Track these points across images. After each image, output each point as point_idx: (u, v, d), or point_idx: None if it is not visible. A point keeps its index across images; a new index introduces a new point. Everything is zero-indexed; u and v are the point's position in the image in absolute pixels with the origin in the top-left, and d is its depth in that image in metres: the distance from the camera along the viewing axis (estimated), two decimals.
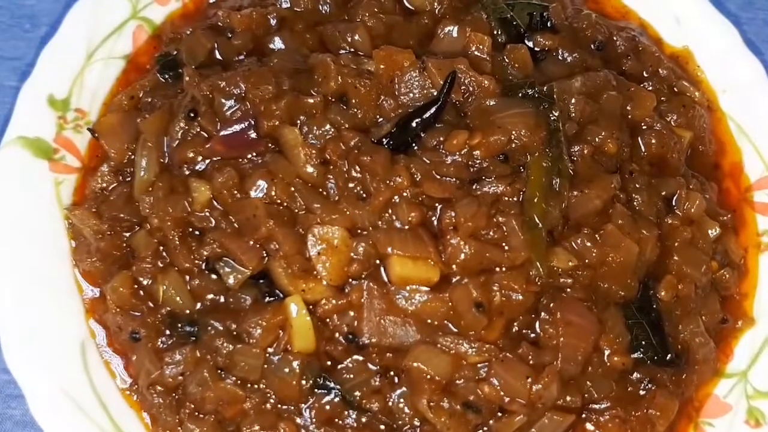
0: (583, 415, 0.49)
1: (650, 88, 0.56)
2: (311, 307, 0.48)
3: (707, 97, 0.59)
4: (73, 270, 0.52)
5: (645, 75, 0.58)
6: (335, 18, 0.57)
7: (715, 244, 0.54)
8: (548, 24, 0.57)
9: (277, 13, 0.57)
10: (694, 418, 0.51)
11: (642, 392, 0.50)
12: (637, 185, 0.53)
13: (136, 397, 0.50)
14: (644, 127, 0.54)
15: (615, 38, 0.59)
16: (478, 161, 0.50)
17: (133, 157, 0.53)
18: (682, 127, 0.56)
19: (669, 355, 0.50)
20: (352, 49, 0.54)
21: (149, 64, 0.58)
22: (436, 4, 0.57)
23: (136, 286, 0.50)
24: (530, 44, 0.56)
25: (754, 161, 0.57)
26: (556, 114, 0.51)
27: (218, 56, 0.56)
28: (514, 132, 0.50)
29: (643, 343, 0.50)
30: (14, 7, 0.71)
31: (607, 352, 0.49)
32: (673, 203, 0.53)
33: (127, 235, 0.52)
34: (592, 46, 0.58)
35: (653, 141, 0.54)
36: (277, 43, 0.56)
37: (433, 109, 0.50)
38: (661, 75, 0.58)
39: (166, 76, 0.56)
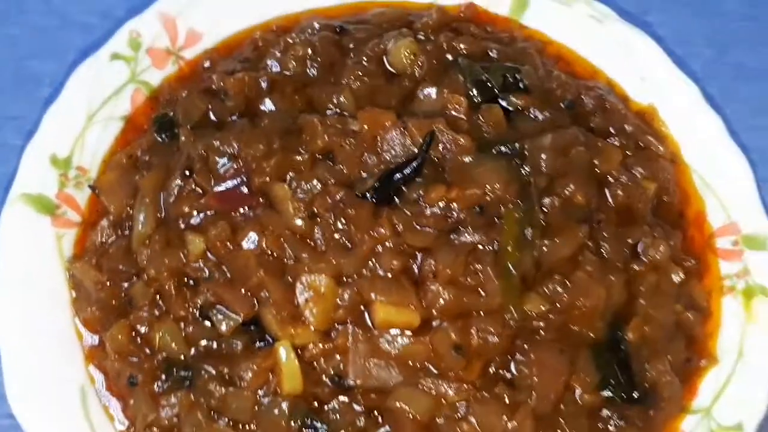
0: None
1: (617, 143, 0.62)
2: (299, 351, 0.53)
3: (671, 150, 0.64)
4: (74, 319, 0.57)
5: (612, 131, 0.64)
6: (322, 81, 0.63)
7: (680, 288, 0.59)
8: (520, 85, 0.63)
9: (268, 77, 0.63)
10: None
11: (612, 429, 0.54)
12: (605, 234, 0.58)
13: None
14: (611, 180, 0.60)
15: (583, 97, 0.65)
16: (455, 213, 0.55)
17: (131, 211, 0.58)
18: (647, 179, 0.61)
19: (637, 393, 0.55)
20: (338, 110, 0.60)
21: (147, 124, 0.64)
22: (416, 67, 0.63)
23: (133, 334, 0.55)
24: (504, 103, 0.62)
25: (717, 210, 0.63)
26: (528, 169, 0.56)
27: (212, 117, 0.62)
28: (488, 186, 0.55)
29: (612, 381, 0.54)
30: (18, 68, 0.77)
31: (578, 391, 0.54)
32: (639, 250, 0.59)
33: (126, 285, 0.56)
34: (562, 104, 0.64)
35: (620, 192, 0.60)
36: (268, 105, 0.62)
37: (413, 165, 0.56)
38: (627, 131, 0.64)
39: (163, 136, 0.61)
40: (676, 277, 0.58)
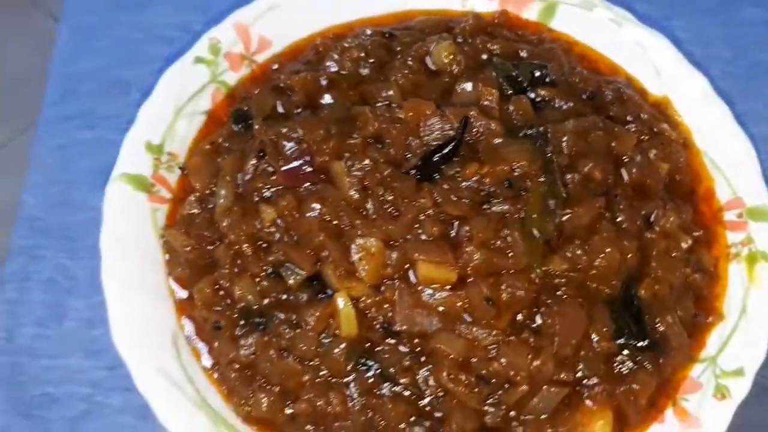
0: (577, 389, 0.62)
1: (633, 129, 0.71)
2: (354, 301, 0.63)
3: (683, 136, 0.73)
4: (167, 277, 0.69)
5: (629, 119, 0.72)
6: (373, 78, 0.73)
7: (690, 253, 0.67)
8: (547, 79, 0.73)
9: (327, 76, 0.74)
10: (673, 395, 0.63)
11: (625, 371, 0.63)
12: (621, 206, 0.67)
13: (217, 376, 0.64)
14: (626, 160, 0.69)
15: (603, 89, 0.74)
16: (487, 187, 0.65)
17: (214, 189, 0.70)
18: (661, 160, 0.70)
19: (648, 341, 0.63)
20: (387, 102, 0.70)
21: (225, 117, 0.75)
22: (454, 66, 0.74)
23: (217, 288, 0.66)
24: (532, 95, 0.72)
25: (724, 187, 0.71)
26: (550, 149, 0.66)
27: (280, 110, 0.72)
28: (515, 163, 0.65)
29: (626, 331, 0.63)
30: (110, 75, 0.89)
31: (595, 339, 0.62)
32: (652, 221, 0.68)
33: (210, 248, 0.68)
34: (584, 96, 0.73)
35: (634, 170, 0.68)
36: (327, 99, 0.72)
37: (450, 146, 0.66)
38: (643, 119, 0.72)
39: (239, 126, 0.73)
40: (685, 244, 0.67)
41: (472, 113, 0.67)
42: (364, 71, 0.74)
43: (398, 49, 0.75)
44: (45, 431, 0.73)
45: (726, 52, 0.90)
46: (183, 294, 0.68)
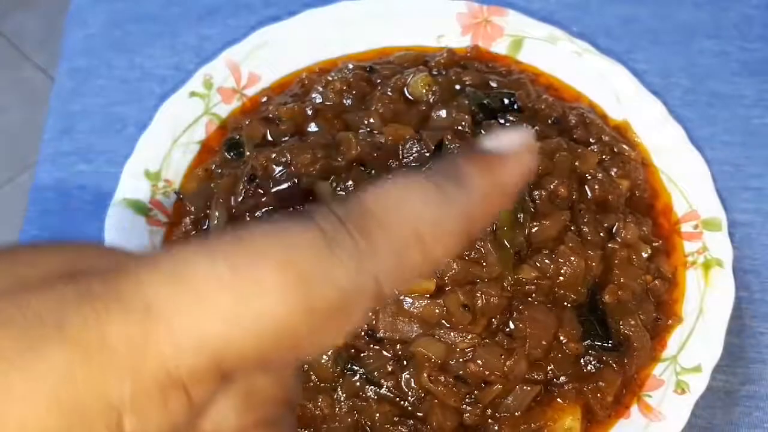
0: (548, 388, 0.68)
1: (595, 149, 0.79)
2: None
3: (642, 155, 0.80)
4: None
5: (591, 141, 0.80)
6: (355, 108, 0.81)
7: (649, 262, 0.74)
8: (515, 106, 0.81)
9: (313, 106, 0.81)
10: (637, 392, 0.69)
11: (592, 370, 0.69)
12: (585, 219, 0.73)
13: None
14: (589, 177, 0.76)
15: (567, 114, 0.81)
16: None
17: (208, 212, 0.76)
18: (621, 177, 0.78)
19: (612, 342, 0.70)
20: (368, 129, 0.78)
21: (218, 147, 0.82)
22: (430, 95, 0.81)
23: None
24: (502, 121, 0.79)
25: (681, 202, 0.78)
26: None
27: (270, 138, 0.80)
28: None
29: (592, 333, 0.69)
30: (107, 113, 0.97)
31: (564, 341, 0.69)
32: (614, 232, 0.75)
33: None
34: (549, 120, 0.80)
35: (596, 187, 0.75)
36: (313, 127, 0.80)
37: (426, 167, 0.73)
38: (604, 140, 0.80)
39: (232, 154, 0.80)
40: (645, 253, 0.73)
41: (446, 136, 0.74)
42: (347, 101, 0.82)
43: (378, 81, 0.83)
44: None
45: (685, 81, 0.99)
46: None
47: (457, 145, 0.74)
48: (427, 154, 0.74)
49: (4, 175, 1.98)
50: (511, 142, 0.40)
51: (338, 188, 0.72)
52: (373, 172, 0.74)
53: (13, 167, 1.97)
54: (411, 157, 0.74)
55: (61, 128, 0.97)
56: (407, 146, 0.75)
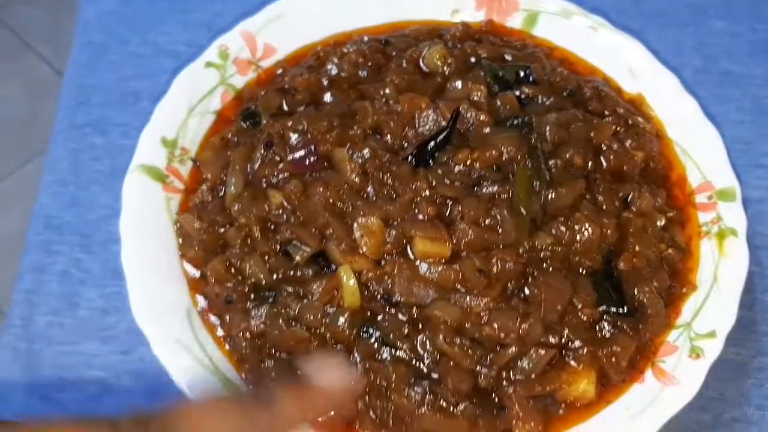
0: (563, 352, 0.69)
1: (610, 121, 0.79)
2: (357, 275, 0.69)
3: (656, 128, 0.81)
4: (180, 259, 0.75)
5: (606, 113, 0.81)
6: (371, 79, 0.81)
7: (664, 231, 0.74)
8: (530, 79, 0.81)
9: (328, 77, 0.82)
10: (651, 358, 0.69)
11: (607, 335, 0.69)
12: (600, 189, 0.74)
13: (228, 346, 0.70)
14: (604, 148, 0.77)
15: (583, 87, 0.82)
16: (477, 171, 0.72)
17: (224, 178, 0.77)
18: (635, 149, 0.78)
19: (627, 308, 0.70)
20: (384, 99, 0.78)
21: (233, 117, 0.83)
22: (446, 68, 0.82)
23: (228, 265, 0.72)
24: (517, 93, 0.80)
25: (695, 173, 0.79)
26: (535, 137, 0.74)
27: (285, 108, 0.80)
28: (503, 149, 0.72)
29: (607, 299, 0.70)
30: (120, 87, 0.98)
31: (579, 306, 0.69)
32: (629, 202, 0.75)
33: (221, 231, 0.74)
34: (564, 93, 0.81)
35: (611, 157, 0.76)
36: (328, 98, 0.80)
37: (443, 135, 0.73)
38: (619, 113, 0.81)
39: (248, 123, 0.80)
40: (660, 222, 0.74)
41: (463, 106, 0.75)
42: (363, 73, 0.82)
43: (393, 53, 0.84)
44: (60, 411, 0.79)
45: (696, 60, 1.00)
46: (196, 273, 0.74)
47: (474, 114, 0.75)
48: (444, 124, 0.74)
49: (9, 165, 1.98)
50: (328, 376, 0.46)
51: (354, 155, 0.73)
52: (389, 141, 0.75)
53: (18, 158, 1.97)
54: (427, 127, 0.75)
55: (76, 102, 0.98)
56: (423, 115, 0.75)
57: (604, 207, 0.73)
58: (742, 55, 1.01)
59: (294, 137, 0.75)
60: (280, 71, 0.86)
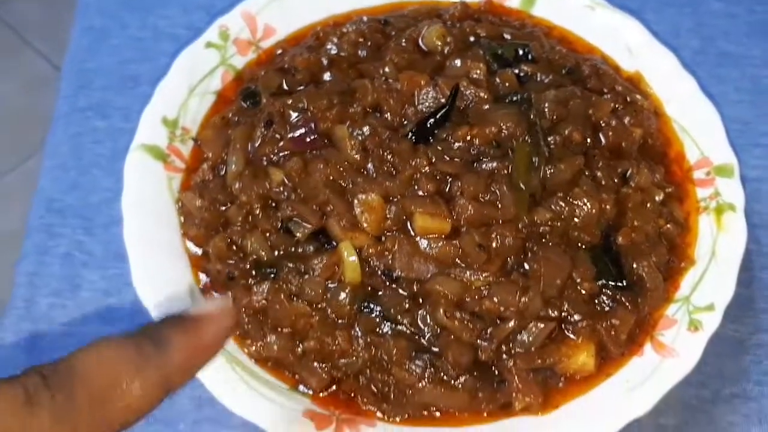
0: (563, 326, 0.69)
1: (608, 98, 0.80)
2: (357, 251, 0.70)
3: (654, 105, 0.82)
4: (182, 237, 0.75)
5: (605, 91, 0.81)
6: (370, 59, 0.82)
7: (663, 207, 0.75)
8: (529, 57, 0.82)
9: (328, 57, 0.82)
10: (650, 332, 0.70)
11: (606, 309, 0.70)
12: (599, 164, 0.74)
13: None
14: (603, 125, 0.77)
15: (581, 65, 0.82)
16: (477, 147, 0.73)
17: (225, 157, 0.77)
18: (634, 125, 0.79)
19: (625, 282, 0.71)
20: (383, 77, 0.79)
21: (233, 97, 0.83)
22: (445, 46, 0.82)
23: (230, 242, 0.73)
24: (516, 71, 0.80)
25: (693, 149, 0.79)
26: (534, 113, 0.74)
27: (285, 87, 0.81)
28: (502, 125, 0.73)
29: (606, 273, 0.70)
30: (121, 70, 0.98)
31: (578, 280, 0.70)
32: (627, 177, 0.76)
33: (223, 209, 0.75)
34: (563, 71, 0.81)
35: (610, 134, 0.76)
36: (328, 77, 0.81)
37: (442, 112, 0.74)
38: (617, 90, 0.81)
39: (248, 103, 0.81)
40: (658, 197, 0.75)
41: (462, 83, 0.75)
42: (362, 53, 0.82)
43: (393, 33, 0.84)
44: None
45: (695, 42, 1.00)
46: (198, 251, 0.75)
47: (473, 91, 0.75)
48: (443, 100, 0.75)
49: (9, 162, 1.98)
50: (211, 306, 0.50)
51: (354, 133, 0.73)
52: (388, 118, 0.75)
53: (18, 154, 1.97)
54: (426, 104, 0.75)
55: (76, 86, 0.99)
56: (423, 93, 0.76)
57: (603, 183, 0.74)
58: (740, 35, 1.01)
59: (294, 115, 0.76)
60: (279, 51, 0.86)
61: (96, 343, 0.42)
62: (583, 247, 0.71)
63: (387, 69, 0.79)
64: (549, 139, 0.74)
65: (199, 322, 0.45)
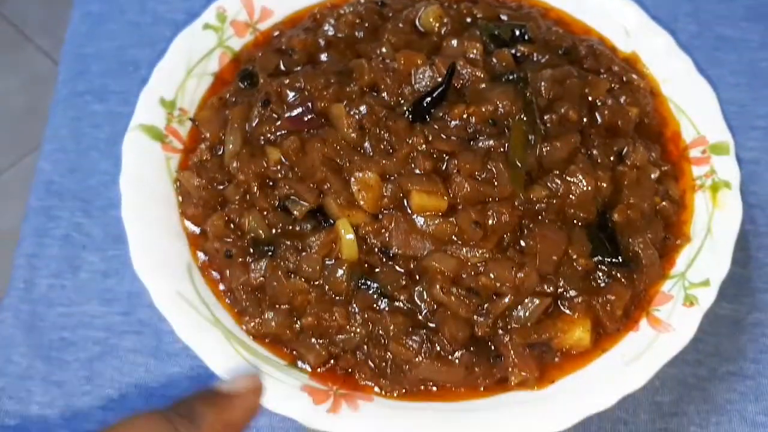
0: (558, 302, 0.69)
1: (605, 78, 0.80)
2: (355, 228, 0.70)
3: (651, 85, 0.82)
4: (180, 217, 0.76)
5: (601, 71, 0.81)
6: (367, 40, 0.82)
7: (658, 184, 0.75)
8: (526, 37, 0.82)
9: (325, 38, 0.82)
10: (646, 307, 0.70)
11: (602, 285, 0.70)
12: (595, 143, 0.75)
13: (228, 300, 0.71)
14: (599, 104, 0.78)
15: (578, 46, 0.83)
16: (473, 125, 0.73)
17: (223, 137, 0.78)
18: (630, 105, 0.79)
19: (622, 259, 0.71)
20: (381, 57, 0.79)
21: (231, 79, 0.83)
22: (441, 27, 0.83)
23: (228, 221, 0.73)
24: (512, 51, 0.81)
25: (689, 128, 0.79)
26: (530, 91, 0.75)
27: (282, 68, 0.81)
28: (499, 103, 0.73)
29: (601, 250, 0.70)
30: (119, 55, 0.99)
31: (574, 257, 0.70)
32: (623, 156, 0.76)
33: (221, 188, 0.75)
34: (560, 51, 0.82)
35: (606, 113, 0.77)
36: (325, 58, 0.81)
37: (439, 91, 0.74)
38: (614, 70, 0.81)
39: (245, 84, 0.81)
40: (654, 175, 0.75)
41: (459, 62, 0.75)
42: (359, 34, 0.83)
43: (390, 14, 0.84)
44: (63, 371, 0.80)
45: (692, 26, 1.00)
46: (196, 230, 0.75)
47: (470, 70, 0.75)
48: (439, 79, 0.75)
49: (9, 158, 1.98)
50: (241, 383, 0.52)
51: (351, 111, 0.74)
52: (385, 97, 0.75)
53: (18, 151, 1.96)
54: (423, 83, 0.76)
55: (75, 71, 0.99)
56: (419, 71, 0.76)
57: (599, 161, 0.74)
58: (737, 19, 1.01)
59: (291, 95, 0.76)
60: (277, 33, 0.87)
61: (132, 419, 0.44)
62: (579, 224, 0.72)
63: (384, 49, 0.79)
64: (545, 117, 0.74)
65: (230, 400, 0.48)
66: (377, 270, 0.70)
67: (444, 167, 0.72)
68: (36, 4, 2.23)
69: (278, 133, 0.75)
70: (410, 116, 0.73)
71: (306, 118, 0.75)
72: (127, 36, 1.01)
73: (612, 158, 0.75)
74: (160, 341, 0.81)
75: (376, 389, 0.68)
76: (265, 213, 0.72)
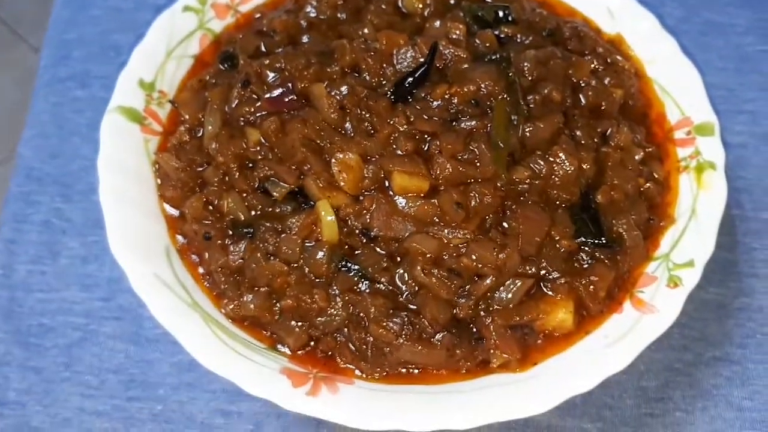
0: (541, 283, 0.68)
1: (588, 59, 0.79)
2: (335, 210, 0.69)
3: (636, 67, 0.81)
4: (159, 200, 0.74)
5: (586, 52, 0.80)
6: (350, 21, 0.81)
7: (643, 166, 0.74)
8: (509, 18, 0.81)
9: (307, 19, 0.81)
10: (630, 289, 0.69)
11: (585, 266, 0.69)
12: (578, 124, 0.74)
13: (207, 283, 0.70)
14: (583, 85, 0.77)
15: (562, 27, 0.82)
16: (455, 105, 0.72)
17: (202, 119, 0.76)
18: (614, 86, 0.78)
19: (605, 240, 0.70)
20: (363, 38, 0.78)
21: (212, 61, 0.82)
22: (424, 9, 0.81)
23: (206, 203, 0.72)
24: (496, 32, 0.79)
25: (674, 110, 0.78)
26: (513, 71, 0.73)
27: (263, 50, 0.80)
28: (481, 83, 0.72)
29: (585, 231, 0.69)
30: (102, 40, 0.97)
31: (557, 238, 0.69)
32: (607, 137, 0.75)
33: (200, 170, 0.74)
34: (544, 32, 0.80)
35: (590, 94, 0.76)
36: (306, 39, 0.80)
37: (421, 71, 0.73)
38: (598, 52, 0.80)
39: (226, 65, 0.80)
40: (638, 156, 0.74)
41: (441, 42, 0.74)
42: (342, 15, 0.81)
43: None
44: (41, 357, 0.78)
45: (678, 11, 0.99)
46: (175, 213, 0.74)
47: (452, 50, 0.74)
48: (422, 59, 0.74)
49: (0, 153, 1.96)
50: None
51: (332, 92, 0.72)
52: (367, 77, 0.74)
53: (11, 147, 1.95)
54: (405, 64, 0.74)
55: (57, 57, 0.97)
56: (401, 52, 0.75)
57: (583, 142, 0.73)
58: (724, 4, 1.00)
59: (271, 75, 0.75)
60: (258, 15, 0.85)
61: None
62: (563, 205, 0.71)
63: (366, 30, 0.78)
64: (528, 98, 0.73)
65: None
66: (358, 252, 0.69)
67: (426, 148, 0.70)
68: (28, 3, 2.21)
69: (258, 114, 0.74)
70: (392, 96, 0.72)
71: (286, 99, 0.74)
72: (110, 21, 0.99)
73: (596, 139, 0.74)
74: (140, 327, 0.79)
75: (357, 372, 0.67)
76: (244, 195, 0.71)
